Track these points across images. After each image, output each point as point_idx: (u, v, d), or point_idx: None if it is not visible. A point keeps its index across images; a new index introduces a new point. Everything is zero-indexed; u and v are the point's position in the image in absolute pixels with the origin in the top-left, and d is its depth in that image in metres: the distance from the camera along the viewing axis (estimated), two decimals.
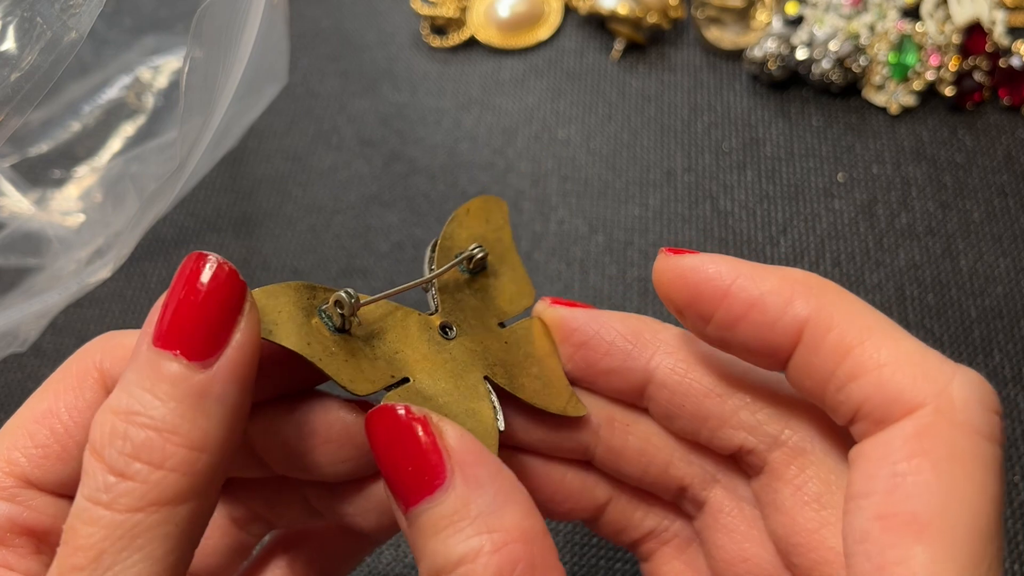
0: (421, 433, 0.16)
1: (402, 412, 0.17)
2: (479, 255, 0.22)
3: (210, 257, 0.16)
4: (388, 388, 0.19)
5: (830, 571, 0.18)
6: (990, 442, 0.16)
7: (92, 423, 0.16)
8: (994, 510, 0.15)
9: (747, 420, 0.19)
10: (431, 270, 0.21)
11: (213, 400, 0.16)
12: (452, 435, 0.17)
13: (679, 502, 0.22)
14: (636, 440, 0.21)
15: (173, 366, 0.16)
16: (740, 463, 0.20)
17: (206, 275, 0.16)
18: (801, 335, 0.17)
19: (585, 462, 0.21)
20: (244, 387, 0.16)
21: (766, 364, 0.19)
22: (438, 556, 0.16)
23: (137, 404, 0.16)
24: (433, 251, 0.21)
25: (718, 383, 0.20)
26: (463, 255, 0.22)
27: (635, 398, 0.21)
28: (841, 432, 0.19)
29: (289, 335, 0.18)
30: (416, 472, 0.16)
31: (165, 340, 0.16)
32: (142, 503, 0.15)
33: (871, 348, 0.17)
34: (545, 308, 0.22)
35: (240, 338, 0.16)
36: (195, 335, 0.16)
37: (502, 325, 0.22)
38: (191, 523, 0.16)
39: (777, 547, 0.19)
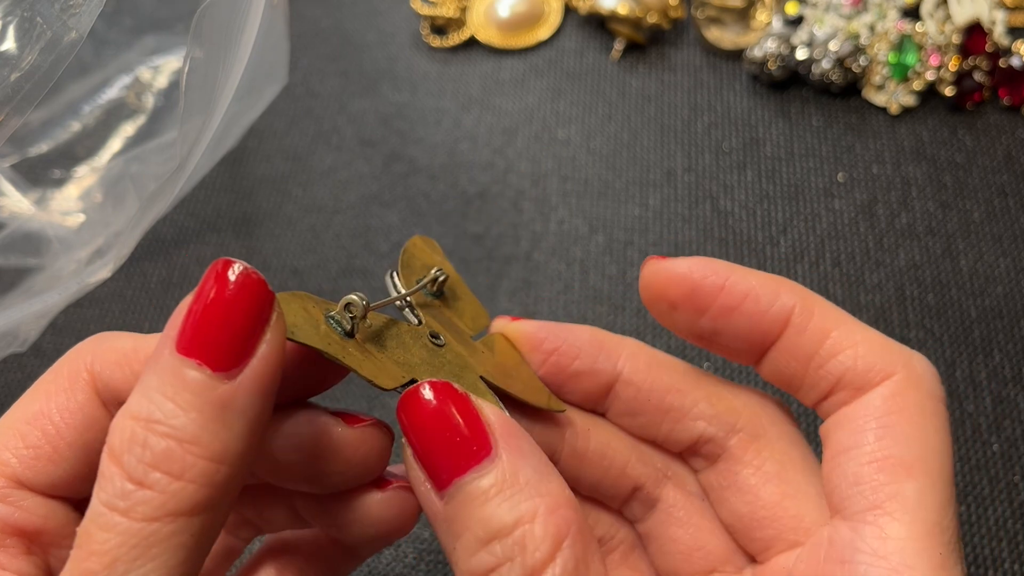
0: (462, 410, 0.17)
1: (431, 394, 0.17)
2: (442, 278, 0.23)
3: (237, 264, 0.16)
4: (403, 386, 0.19)
5: (793, 537, 0.20)
6: (944, 405, 0.20)
7: (111, 425, 0.16)
8: (952, 458, 0.19)
9: (706, 411, 0.21)
10: (398, 291, 0.22)
11: (235, 412, 0.16)
12: (490, 411, 0.18)
13: (628, 505, 0.23)
14: (597, 443, 0.22)
15: (196, 375, 0.15)
16: (697, 454, 0.22)
17: (233, 283, 0.16)
18: (789, 321, 0.20)
19: None
20: (267, 399, 0.16)
21: (747, 354, 0.21)
22: (491, 522, 0.16)
23: (158, 412, 0.15)
24: (394, 277, 0.22)
25: (680, 380, 0.22)
26: (428, 278, 0.23)
27: (597, 401, 0.22)
28: (788, 419, 0.22)
29: (310, 336, 0.18)
30: (462, 445, 0.17)
31: (188, 348, 0.16)
32: (159, 513, 0.15)
33: (846, 331, 0.20)
34: (507, 324, 0.23)
35: (265, 349, 0.16)
36: (220, 345, 0.16)
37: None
38: (206, 534, 0.16)
39: (737, 527, 0.21)
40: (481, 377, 0.21)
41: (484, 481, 0.17)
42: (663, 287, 0.21)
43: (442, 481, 0.17)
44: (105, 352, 0.19)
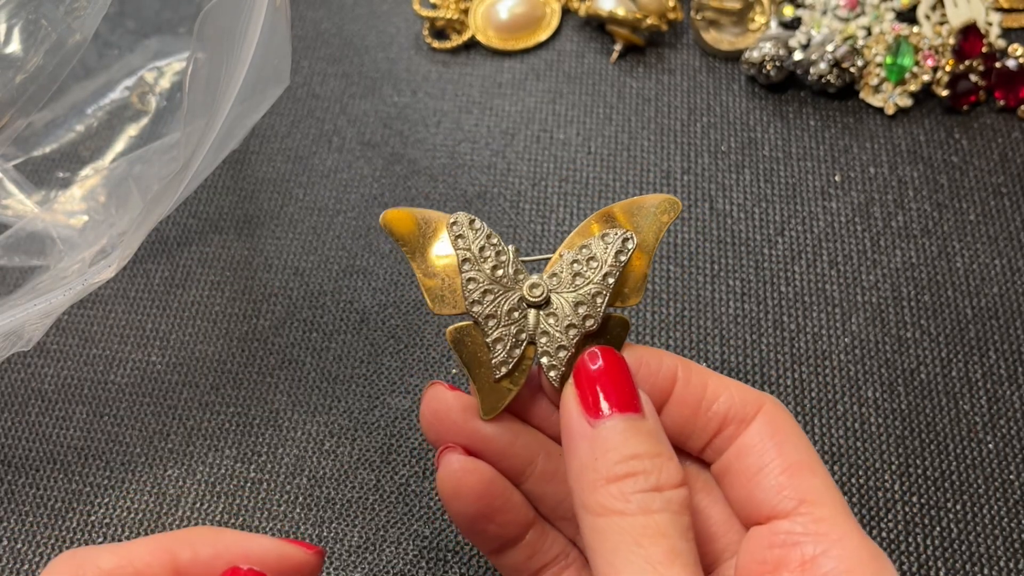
0: (628, 374, 0.23)
1: (597, 361, 0.24)
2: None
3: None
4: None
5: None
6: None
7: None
8: None
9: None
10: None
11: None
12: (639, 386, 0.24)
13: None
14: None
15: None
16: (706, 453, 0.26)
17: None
18: (676, 377, 0.25)
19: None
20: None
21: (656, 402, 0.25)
22: (640, 447, 0.22)
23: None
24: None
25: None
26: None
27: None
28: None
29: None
30: (626, 394, 0.23)
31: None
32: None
33: (717, 380, 0.25)
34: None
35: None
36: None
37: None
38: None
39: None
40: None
41: (639, 424, 0.22)
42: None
43: (597, 412, 0.23)
44: None
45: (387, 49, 0.44)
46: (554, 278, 0.26)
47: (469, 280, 0.25)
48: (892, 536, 0.31)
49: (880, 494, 0.32)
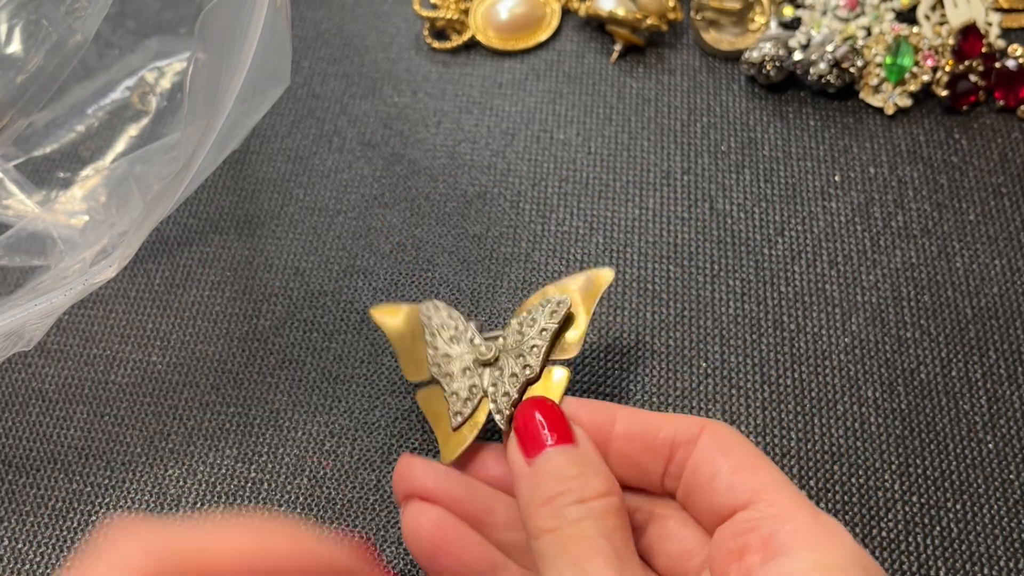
0: (555, 416, 0.27)
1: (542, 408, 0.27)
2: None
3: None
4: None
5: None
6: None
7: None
8: None
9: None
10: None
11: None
12: (571, 413, 0.28)
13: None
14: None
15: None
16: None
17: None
18: (615, 417, 0.28)
19: None
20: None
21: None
22: (564, 474, 0.25)
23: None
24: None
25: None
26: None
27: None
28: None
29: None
30: (556, 430, 0.27)
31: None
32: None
33: (655, 415, 0.28)
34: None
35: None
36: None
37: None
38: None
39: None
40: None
41: (569, 452, 0.26)
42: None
43: (533, 451, 0.26)
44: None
45: (387, 49, 0.44)
46: (502, 340, 0.31)
47: (433, 348, 0.31)
48: (892, 536, 0.32)
49: (880, 494, 0.32)
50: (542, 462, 0.26)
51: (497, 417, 0.29)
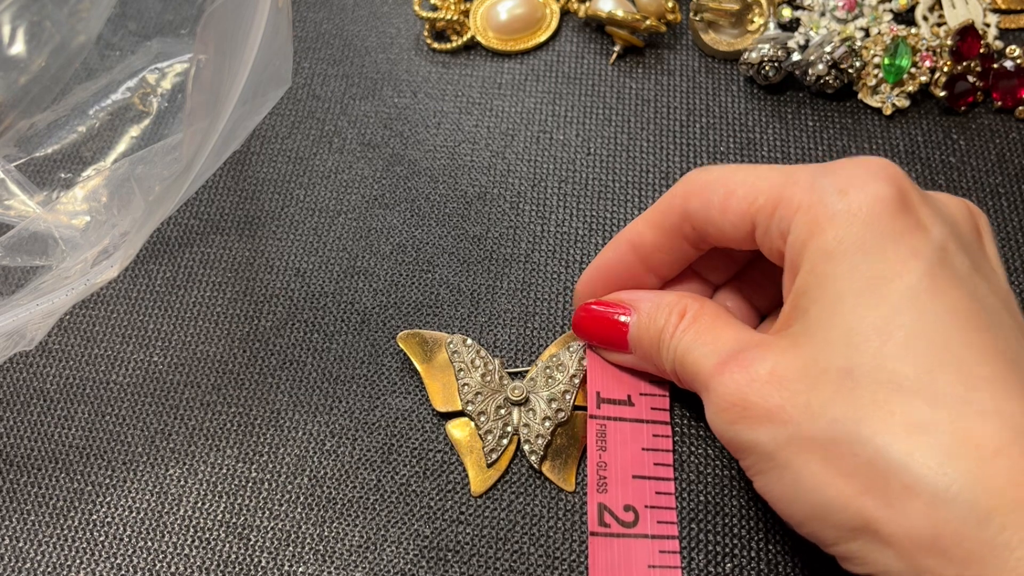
0: (600, 306, 0.31)
1: (591, 308, 0.31)
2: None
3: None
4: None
5: None
6: None
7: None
8: None
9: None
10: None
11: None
12: (616, 294, 0.31)
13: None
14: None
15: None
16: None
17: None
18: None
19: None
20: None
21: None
22: (652, 339, 0.29)
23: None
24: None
25: None
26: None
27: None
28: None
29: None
30: (615, 320, 0.30)
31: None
32: None
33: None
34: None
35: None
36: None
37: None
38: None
39: None
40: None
41: (637, 328, 0.29)
42: (687, 201, 0.29)
43: (623, 344, 0.30)
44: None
45: (387, 50, 0.44)
46: (531, 382, 0.33)
47: (464, 385, 0.33)
48: None
49: None
50: (633, 343, 0.30)
51: (532, 458, 0.32)
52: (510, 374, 0.34)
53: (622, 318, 0.30)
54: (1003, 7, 0.43)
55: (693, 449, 0.33)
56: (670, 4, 0.43)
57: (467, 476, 0.33)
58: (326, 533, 0.32)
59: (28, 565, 0.32)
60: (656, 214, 0.29)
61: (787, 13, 0.42)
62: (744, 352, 0.25)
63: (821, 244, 0.24)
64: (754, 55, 0.41)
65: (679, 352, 0.27)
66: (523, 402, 0.33)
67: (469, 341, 0.34)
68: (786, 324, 0.25)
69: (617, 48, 0.43)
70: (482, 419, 0.33)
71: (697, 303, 0.28)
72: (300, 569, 0.32)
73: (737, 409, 0.24)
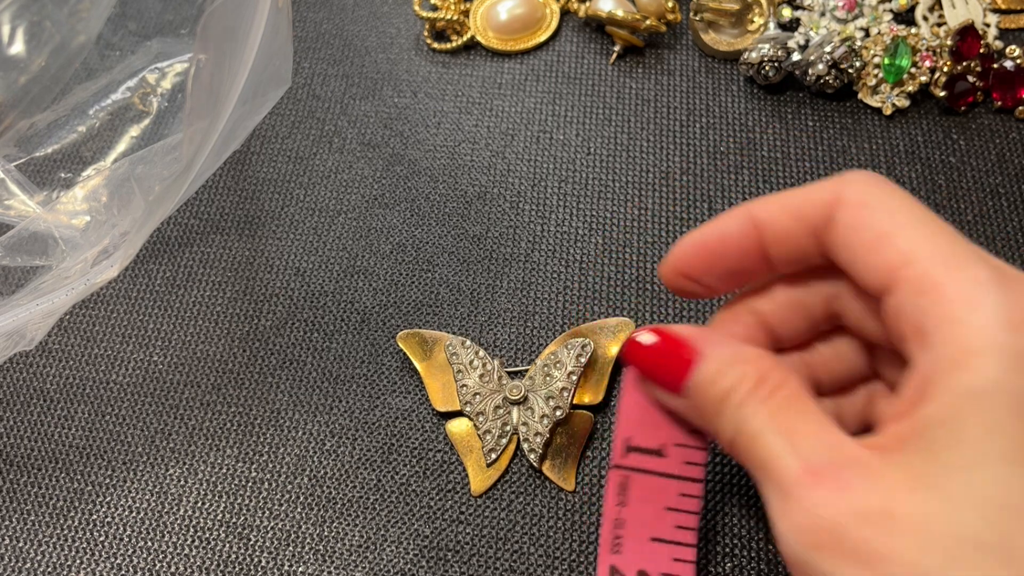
0: (667, 339, 0.25)
1: (652, 336, 0.25)
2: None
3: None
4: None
5: None
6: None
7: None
8: None
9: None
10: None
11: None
12: (681, 329, 0.25)
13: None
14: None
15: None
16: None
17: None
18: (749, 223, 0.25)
19: None
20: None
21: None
22: (717, 394, 0.23)
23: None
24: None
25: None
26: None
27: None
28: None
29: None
30: (679, 357, 0.24)
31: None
32: None
33: (791, 198, 0.25)
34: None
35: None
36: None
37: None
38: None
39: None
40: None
41: (702, 374, 0.24)
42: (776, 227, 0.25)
43: (677, 387, 0.24)
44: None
45: (387, 50, 0.44)
46: (529, 380, 0.33)
47: (462, 385, 0.33)
48: None
49: None
50: (692, 390, 0.24)
51: (531, 456, 0.32)
52: (509, 373, 0.34)
53: (688, 357, 0.24)
54: (1003, 7, 0.43)
55: None
56: (670, 4, 0.43)
57: (467, 476, 0.33)
58: (326, 533, 0.32)
59: (28, 565, 0.32)
60: (798, 200, 0.24)
61: (787, 13, 0.42)
62: (844, 469, 0.20)
63: (972, 381, 0.20)
64: (754, 55, 0.41)
65: (748, 429, 0.22)
66: (521, 401, 0.33)
67: (468, 342, 0.34)
68: (899, 447, 0.21)
69: (617, 48, 0.43)
70: (481, 419, 0.33)
71: (780, 373, 0.23)
72: (300, 569, 0.32)
73: (826, 537, 0.20)
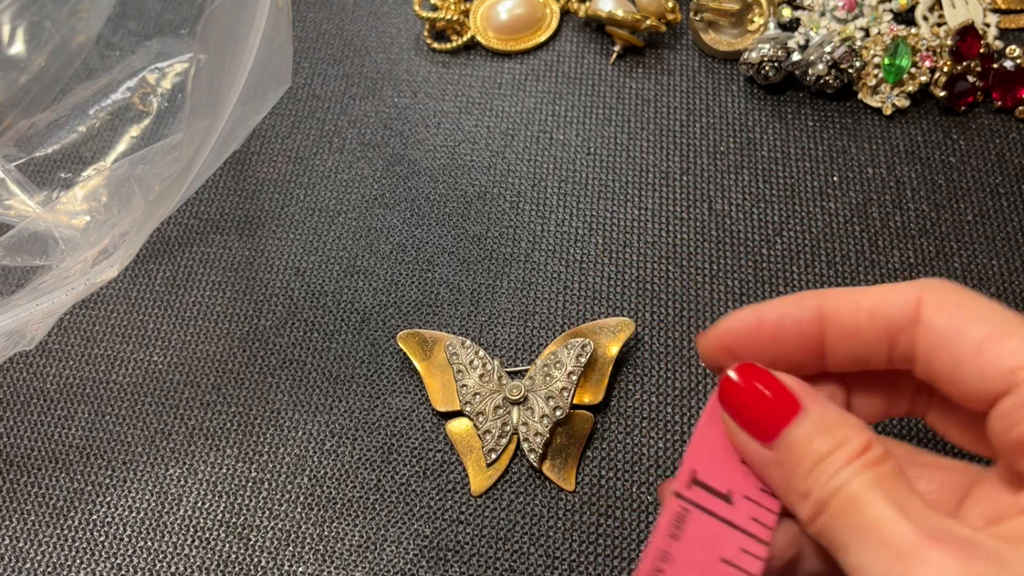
0: (769, 382, 0.23)
1: (753, 376, 0.23)
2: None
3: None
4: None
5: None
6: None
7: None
8: None
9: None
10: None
11: None
12: (788, 378, 0.23)
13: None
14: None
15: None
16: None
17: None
18: (814, 312, 0.24)
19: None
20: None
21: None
22: (815, 452, 0.21)
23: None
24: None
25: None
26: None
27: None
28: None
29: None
30: (779, 405, 0.22)
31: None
32: None
33: (861, 297, 0.23)
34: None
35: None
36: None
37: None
38: None
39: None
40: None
41: (802, 429, 0.22)
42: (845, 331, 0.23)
43: (768, 436, 0.22)
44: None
45: (388, 50, 0.44)
46: (529, 380, 0.33)
47: (462, 386, 0.33)
48: None
49: None
50: (786, 445, 0.22)
51: (531, 456, 0.32)
52: (509, 373, 0.34)
53: (790, 407, 0.22)
54: (1003, 7, 0.43)
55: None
56: (670, 4, 0.43)
57: (467, 476, 0.33)
58: (326, 533, 0.32)
59: (28, 565, 0.32)
60: (874, 299, 0.23)
61: (787, 13, 0.42)
62: (966, 542, 0.20)
63: None
64: (754, 55, 0.41)
65: (849, 491, 0.21)
66: (521, 401, 0.33)
67: (468, 342, 0.34)
68: (1020, 538, 0.20)
69: (617, 48, 0.43)
70: (480, 419, 0.33)
71: (882, 447, 0.22)
72: (300, 569, 0.32)
73: None
